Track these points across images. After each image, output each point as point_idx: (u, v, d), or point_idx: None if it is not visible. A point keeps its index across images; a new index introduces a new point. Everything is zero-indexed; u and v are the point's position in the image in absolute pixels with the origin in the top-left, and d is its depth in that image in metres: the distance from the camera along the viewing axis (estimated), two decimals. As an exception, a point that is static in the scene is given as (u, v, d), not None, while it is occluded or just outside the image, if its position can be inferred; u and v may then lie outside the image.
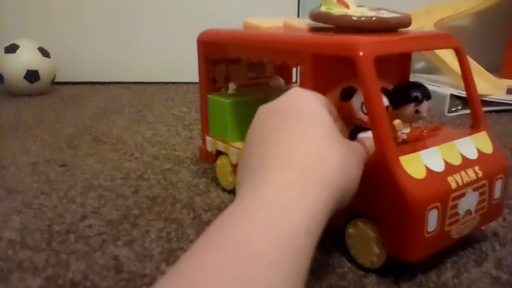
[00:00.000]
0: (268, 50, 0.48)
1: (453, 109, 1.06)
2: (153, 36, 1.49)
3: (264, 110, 0.34)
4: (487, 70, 1.14)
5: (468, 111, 1.02)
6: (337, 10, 0.43)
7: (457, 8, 1.30)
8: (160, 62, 1.50)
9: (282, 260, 0.23)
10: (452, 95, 1.05)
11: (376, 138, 0.37)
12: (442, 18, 1.28)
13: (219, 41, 0.56)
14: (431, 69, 1.32)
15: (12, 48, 1.23)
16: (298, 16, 1.47)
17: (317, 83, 0.43)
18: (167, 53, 1.49)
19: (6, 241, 0.47)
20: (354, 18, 0.42)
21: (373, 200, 0.39)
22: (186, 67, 1.42)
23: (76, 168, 0.69)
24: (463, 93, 1.03)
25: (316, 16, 0.44)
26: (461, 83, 0.48)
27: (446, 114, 1.05)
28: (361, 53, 0.37)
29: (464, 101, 1.06)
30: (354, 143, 0.37)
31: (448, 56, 1.13)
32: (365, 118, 0.42)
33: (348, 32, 0.42)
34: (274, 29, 0.51)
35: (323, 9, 0.44)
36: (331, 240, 0.45)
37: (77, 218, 0.52)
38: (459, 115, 1.05)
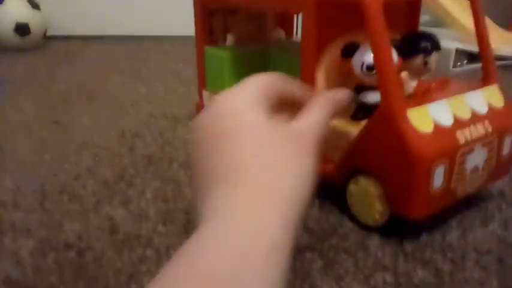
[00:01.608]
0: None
1: (458, 64, 1.03)
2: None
3: (198, 126, 0.29)
4: (495, 23, 1.10)
5: (473, 66, 1.00)
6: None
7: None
8: (156, 14, 1.44)
9: (236, 277, 0.21)
10: (457, 49, 1.01)
11: (383, 90, 0.35)
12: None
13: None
14: (435, 23, 1.27)
15: (-2, 1, 1.19)
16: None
17: (320, 33, 0.40)
18: (163, 5, 1.44)
19: (-3, 202, 0.45)
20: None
21: (377, 155, 0.37)
22: (183, 20, 1.36)
23: (70, 127, 0.66)
24: (469, 48, 1.00)
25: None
26: (468, 37, 0.45)
27: (451, 69, 1.01)
28: (368, -2, 0.34)
29: (470, 56, 1.03)
30: (300, 125, 0.30)
31: (454, 8, 1.08)
32: (365, 79, 0.40)
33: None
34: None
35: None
36: (331, 199, 0.44)
37: (71, 178, 0.50)
38: (464, 70, 1.01)
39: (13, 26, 1.18)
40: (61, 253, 0.37)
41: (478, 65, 0.96)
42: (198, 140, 0.28)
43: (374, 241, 0.38)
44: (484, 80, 0.43)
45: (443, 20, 1.14)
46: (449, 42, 1.06)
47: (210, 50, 0.56)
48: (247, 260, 0.21)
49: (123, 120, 0.69)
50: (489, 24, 1.07)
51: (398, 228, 0.39)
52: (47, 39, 1.33)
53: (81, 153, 0.57)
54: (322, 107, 0.31)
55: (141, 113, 0.73)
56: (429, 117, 0.36)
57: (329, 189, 0.45)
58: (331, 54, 0.42)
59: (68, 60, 1.15)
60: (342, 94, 0.32)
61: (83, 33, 1.44)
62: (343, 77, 0.42)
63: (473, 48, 0.99)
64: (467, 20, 1.07)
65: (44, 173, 0.51)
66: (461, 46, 1.01)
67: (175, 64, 1.09)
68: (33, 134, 0.64)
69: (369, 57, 0.39)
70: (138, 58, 1.16)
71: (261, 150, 0.27)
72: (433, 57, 0.42)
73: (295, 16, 0.63)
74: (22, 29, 1.20)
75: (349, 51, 0.40)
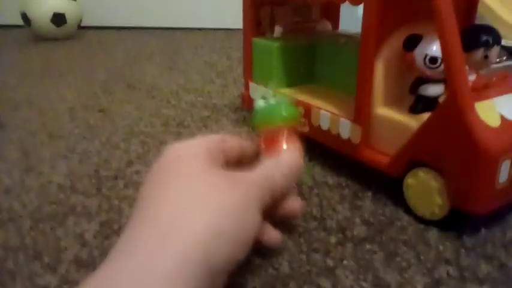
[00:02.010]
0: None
1: (497, 60, 1.01)
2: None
3: (151, 171, 0.28)
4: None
5: (514, 62, 0.98)
6: None
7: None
8: (187, 7, 1.45)
9: None
10: (497, 44, 0.99)
11: (451, 82, 0.35)
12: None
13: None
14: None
15: (38, -9, 1.21)
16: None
17: (381, 24, 0.40)
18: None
19: (56, 185, 0.46)
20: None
21: (440, 148, 0.37)
22: (213, 13, 1.37)
23: (114, 115, 0.68)
24: (509, 43, 0.98)
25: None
26: (507, 32, 0.44)
27: (491, 64, 1.00)
28: (439, -11, 0.34)
29: (510, 52, 1.01)
30: (245, 176, 0.28)
31: (494, 3, 1.06)
32: (428, 72, 0.39)
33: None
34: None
35: None
36: (385, 192, 0.44)
37: (123, 164, 0.51)
38: (504, 66, 0.99)
39: (50, 15, 1.20)
40: (124, 237, 0.38)
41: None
42: (146, 182, 0.27)
43: (433, 234, 0.38)
44: (546, 75, 0.43)
45: (481, 15, 1.12)
46: (488, 38, 1.04)
47: (258, 42, 0.56)
48: None
49: (166, 110, 0.70)
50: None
51: (456, 223, 0.39)
52: (81, 29, 1.35)
53: (130, 140, 0.58)
54: (276, 163, 0.30)
55: (182, 103, 0.73)
56: (496, 111, 0.36)
57: (382, 182, 0.45)
58: (391, 45, 0.41)
59: (103, 50, 1.16)
60: (298, 155, 0.31)
61: (116, 24, 1.46)
62: (403, 69, 0.41)
63: (515, 43, 0.97)
64: (506, 15, 1.05)
65: (96, 159, 0.52)
66: (502, 41, 0.99)
67: (209, 55, 1.10)
68: (80, 121, 0.65)
69: (432, 50, 0.38)
70: (172, 49, 1.17)
71: (183, 187, 0.25)
72: (494, 51, 0.42)
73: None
74: (59, 19, 1.22)
75: (412, 43, 0.39)
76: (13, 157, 0.53)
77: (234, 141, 0.33)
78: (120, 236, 0.24)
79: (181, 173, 0.27)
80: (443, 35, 0.34)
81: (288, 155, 0.31)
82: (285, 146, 0.32)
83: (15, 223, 0.40)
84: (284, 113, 0.33)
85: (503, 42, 1.05)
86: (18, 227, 0.39)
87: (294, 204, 0.32)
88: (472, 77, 0.41)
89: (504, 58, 1.03)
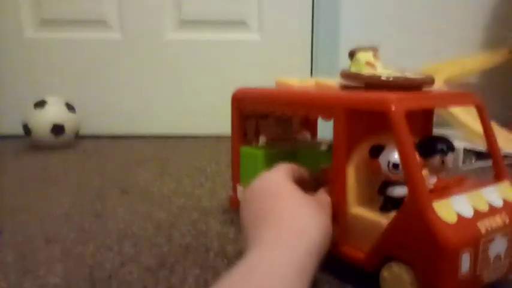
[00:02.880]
0: (303, 105, 0.52)
1: (466, 162, 1.09)
2: (170, 94, 1.57)
3: (251, 189, 0.46)
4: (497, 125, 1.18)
5: (480, 163, 1.06)
6: (367, 70, 0.48)
7: (464, 66, 1.37)
8: (178, 116, 1.56)
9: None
10: (465, 149, 1.08)
11: (410, 185, 0.40)
12: (450, 77, 1.34)
13: (254, 98, 0.60)
14: (441, 124, 1.37)
15: (40, 104, 1.30)
16: (311, 73, 1.54)
17: (349, 135, 0.47)
18: (184, 108, 1.56)
19: (52, 287, 0.48)
20: (383, 78, 0.46)
21: (407, 244, 0.41)
22: (203, 122, 1.48)
23: (108, 219, 0.71)
24: (475, 147, 1.07)
25: (347, 75, 0.48)
26: (473, 138, 0.51)
27: (460, 166, 1.08)
28: (393, 108, 0.41)
29: (477, 154, 1.10)
30: (320, 197, 0.48)
31: (460, 112, 1.17)
32: (391, 176, 0.45)
33: (377, 90, 0.46)
34: (307, 87, 0.56)
35: (353, 69, 0.48)
36: (362, 285, 0.47)
37: (116, 265, 0.54)
38: (472, 167, 1.07)
39: (50, 126, 1.28)
40: (117, 335, 0.40)
41: (485, 163, 1.02)
42: (250, 198, 0.45)
43: (409, 326, 0.41)
44: (496, 177, 0.49)
45: (448, 121, 1.23)
46: (457, 142, 1.13)
47: (245, 150, 0.63)
48: (280, 277, 0.32)
49: (157, 213, 0.74)
50: (494, 126, 1.16)
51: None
52: (78, 138, 1.42)
53: (123, 243, 0.61)
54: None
55: (173, 206, 0.77)
56: (452, 209, 0.41)
57: (360, 276, 0.48)
58: (360, 153, 0.47)
59: (98, 157, 1.23)
60: None
61: (111, 133, 1.55)
62: (371, 173, 0.47)
63: (479, 147, 1.06)
64: (471, 122, 1.16)
65: (91, 261, 0.55)
66: (468, 145, 1.08)
67: (199, 161, 1.16)
68: (75, 225, 0.68)
69: (394, 157, 0.44)
70: (164, 156, 1.24)
71: (292, 206, 0.41)
72: (449, 157, 0.48)
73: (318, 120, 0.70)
74: (58, 130, 1.30)
75: (376, 151, 0.46)
76: (10, 260, 0.56)
77: (300, 171, 0.52)
78: (246, 234, 0.41)
79: (284, 193, 0.44)
80: (400, 145, 0.40)
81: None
82: None
83: (12, 323, 0.41)
84: None
85: (471, 145, 1.14)
86: (15, 327, 0.41)
87: None
88: (432, 180, 0.47)
89: (472, 161, 1.11)
